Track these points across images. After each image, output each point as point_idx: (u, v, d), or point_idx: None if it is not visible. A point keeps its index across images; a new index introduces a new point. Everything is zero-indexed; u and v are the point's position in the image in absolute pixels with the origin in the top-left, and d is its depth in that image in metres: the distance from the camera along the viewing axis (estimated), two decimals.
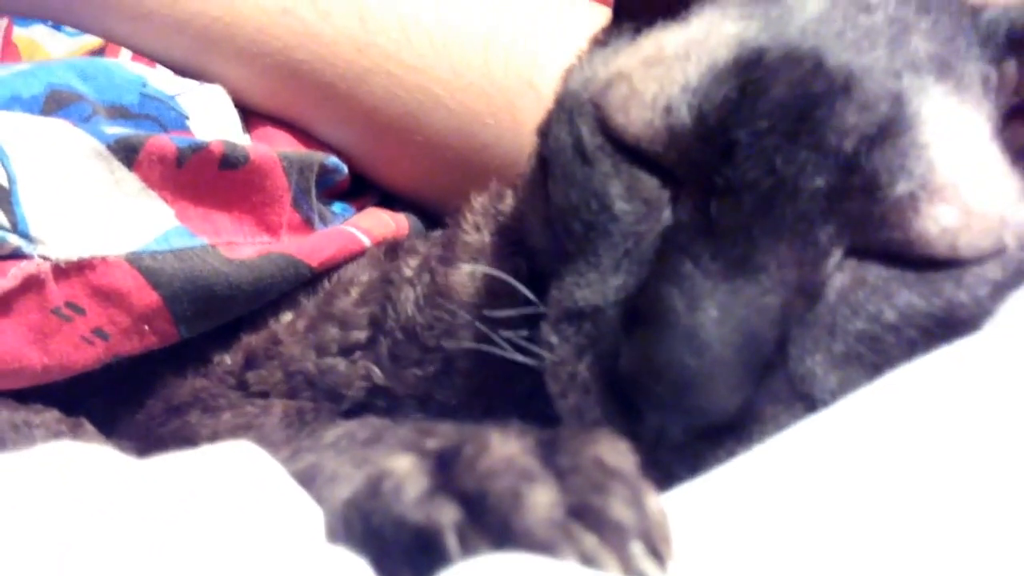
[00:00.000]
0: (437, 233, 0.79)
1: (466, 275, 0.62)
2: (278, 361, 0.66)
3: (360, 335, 0.65)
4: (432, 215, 0.84)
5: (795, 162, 0.43)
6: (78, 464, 0.33)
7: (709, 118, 0.44)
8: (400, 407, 0.62)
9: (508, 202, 0.66)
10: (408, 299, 0.63)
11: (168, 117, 0.74)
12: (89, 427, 0.64)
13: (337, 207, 0.83)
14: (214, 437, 0.61)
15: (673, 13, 0.52)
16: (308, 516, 0.35)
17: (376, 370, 0.63)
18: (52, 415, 0.64)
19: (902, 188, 0.43)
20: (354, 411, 0.63)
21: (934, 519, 0.34)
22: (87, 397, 0.69)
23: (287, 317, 0.71)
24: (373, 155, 0.85)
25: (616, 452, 0.35)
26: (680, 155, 0.46)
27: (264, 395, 0.66)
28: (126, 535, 0.31)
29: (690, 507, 0.36)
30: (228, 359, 0.70)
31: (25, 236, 0.62)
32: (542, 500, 0.32)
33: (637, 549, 0.32)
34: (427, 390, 0.62)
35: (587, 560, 0.31)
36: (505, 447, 0.34)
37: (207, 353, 0.71)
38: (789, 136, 0.43)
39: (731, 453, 0.42)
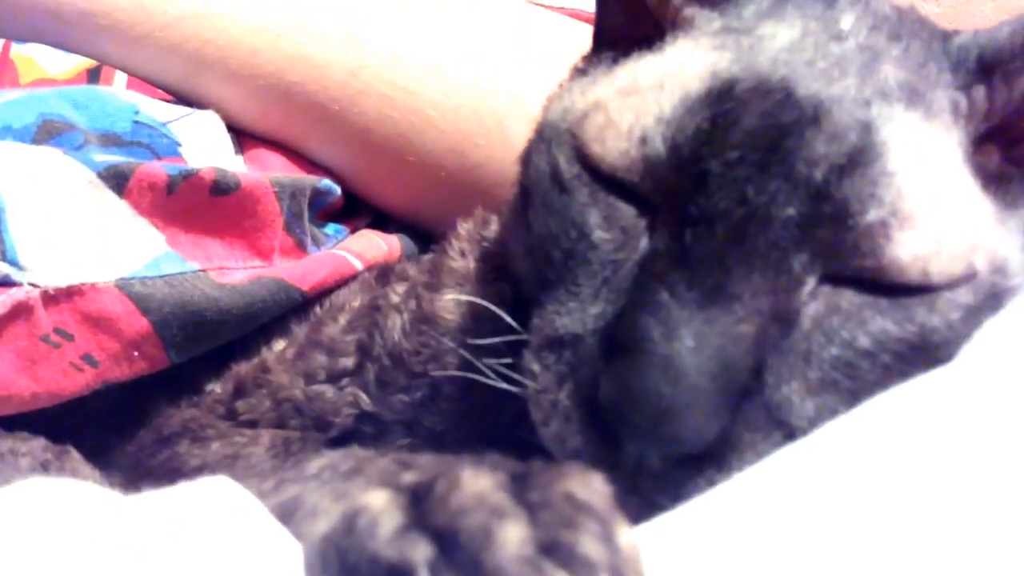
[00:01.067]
0: (427, 257, 0.80)
1: (451, 302, 0.62)
2: (267, 390, 0.67)
3: (348, 362, 0.65)
4: (425, 234, 0.85)
5: (766, 191, 0.44)
6: (52, 503, 0.34)
7: (682, 149, 0.45)
8: (388, 433, 0.63)
9: (493, 228, 0.67)
10: (395, 325, 0.64)
11: (160, 144, 0.75)
12: (76, 455, 0.65)
13: (330, 228, 0.84)
14: (202, 467, 0.61)
15: (649, 43, 0.53)
16: (286, 553, 0.36)
17: (364, 396, 0.63)
18: (38, 443, 0.64)
19: (872, 216, 0.43)
20: (342, 439, 0.63)
21: (914, 552, 0.34)
22: (78, 426, 0.69)
23: (279, 345, 0.72)
24: (366, 175, 0.86)
25: (587, 486, 0.35)
26: (655, 185, 0.46)
27: (253, 424, 0.67)
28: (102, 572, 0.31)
29: (666, 538, 0.37)
30: (218, 388, 0.71)
31: (14, 263, 0.63)
32: (512, 537, 0.33)
33: None
34: (414, 416, 0.62)
35: None
36: (477, 483, 0.35)
37: (198, 381, 0.72)
38: (760, 166, 0.44)
39: (710, 481, 0.42)
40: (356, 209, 0.88)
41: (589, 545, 0.33)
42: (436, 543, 0.33)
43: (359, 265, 0.78)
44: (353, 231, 0.86)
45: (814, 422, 0.43)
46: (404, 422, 0.62)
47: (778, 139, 0.44)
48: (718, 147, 0.44)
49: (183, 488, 0.36)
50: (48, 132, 0.70)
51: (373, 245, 0.82)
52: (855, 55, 0.47)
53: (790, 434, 0.44)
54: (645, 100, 0.47)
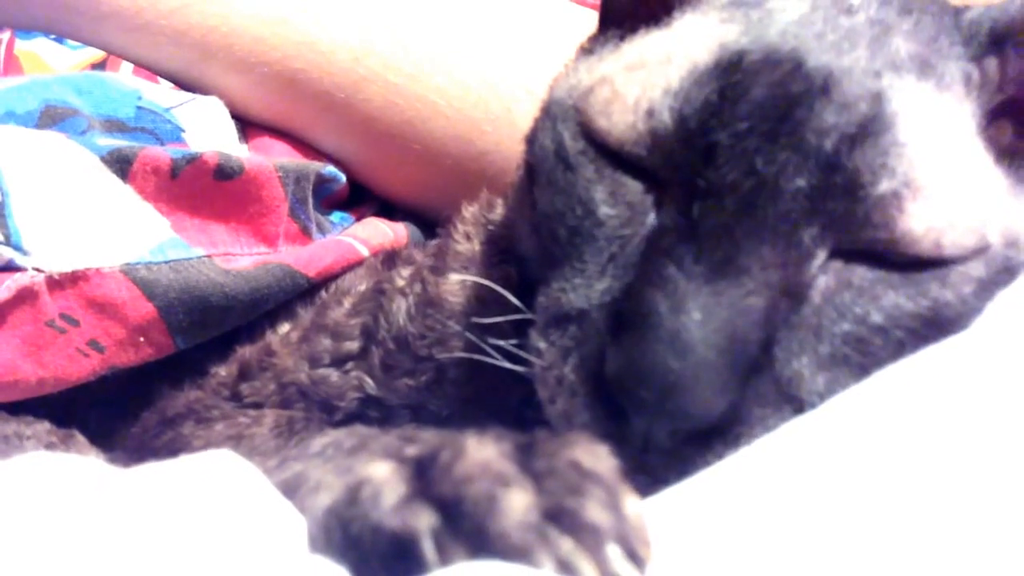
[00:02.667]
0: (433, 243, 0.79)
1: (456, 284, 0.62)
2: (271, 372, 0.67)
3: (352, 345, 0.65)
4: (431, 223, 0.85)
5: (775, 163, 0.43)
6: (53, 476, 0.34)
7: (690, 121, 0.45)
8: (393, 417, 0.63)
9: (499, 211, 0.66)
10: (400, 309, 0.64)
11: (164, 130, 0.75)
12: (81, 438, 0.65)
13: (335, 217, 0.83)
14: (206, 448, 0.61)
15: (656, 20, 0.52)
16: (289, 525, 0.35)
17: (369, 380, 0.63)
18: (43, 427, 0.64)
19: (885, 187, 0.43)
20: (346, 422, 0.63)
21: (922, 527, 0.34)
22: (84, 410, 0.69)
23: (284, 328, 0.72)
24: (372, 164, 0.85)
25: (593, 455, 0.35)
26: (663, 158, 0.46)
27: (257, 406, 0.67)
28: (102, 544, 0.31)
29: (673, 511, 0.36)
30: (223, 371, 0.70)
31: (18, 248, 0.63)
32: (517, 504, 0.32)
33: (614, 552, 0.32)
34: (419, 400, 0.62)
35: (563, 564, 0.31)
36: (481, 452, 0.35)
37: (204, 365, 0.72)
38: (769, 137, 0.44)
39: (719, 456, 0.42)
40: (361, 198, 0.88)
41: (595, 512, 0.32)
42: (440, 512, 0.33)
43: (365, 251, 0.77)
44: (358, 219, 0.85)
45: (824, 397, 0.43)
46: (409, 406, 0.62)
47: (787, 110, 0.44)
48: (727, 118, 0.44)
49: (185, 460, 0.36)
50: (51, 118, 0.70)
51: (379, 232, 0.81)
52: (865, 28, 0.47)
53: (800, 409, 0.44)
54: (652, 73, 0.47)
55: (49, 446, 0.62)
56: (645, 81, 0.47)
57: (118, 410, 0.70)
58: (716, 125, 0.44)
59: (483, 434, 0.36)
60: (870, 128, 0.43)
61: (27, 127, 0.70)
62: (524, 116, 0.79)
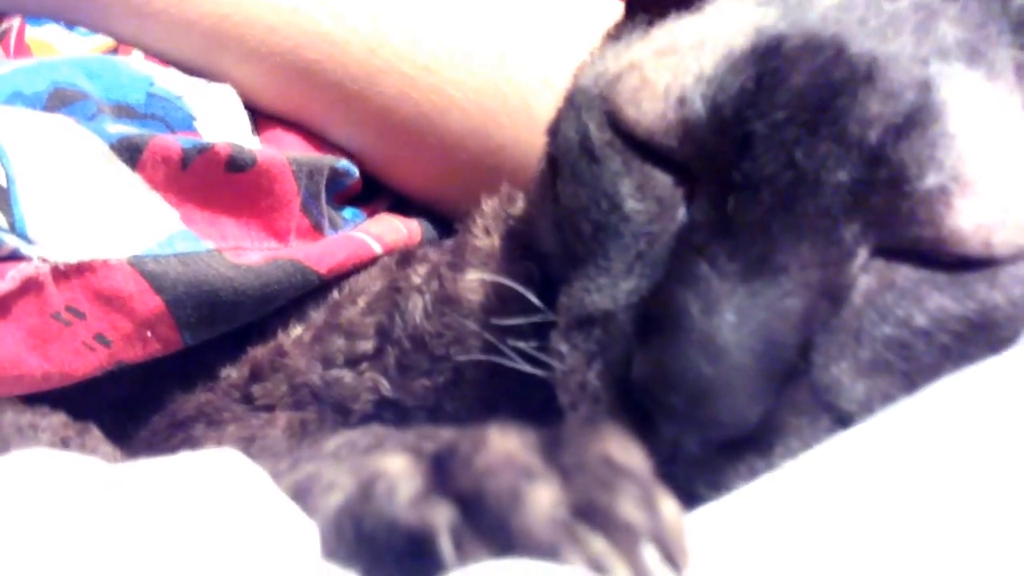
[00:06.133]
0: (448, 243, 0.77)
1: (475, 282, 0.60)
2: (283, 374, 0.65)
3: (367, 345, 0.63)
4: (446, 220, 0.83)
5: (816, 155, 0.41)
6: (48, 473, 0.32)
7: (724, 109, 0.42)
8: (409, 420, 0.60)
9: (519, 205, 0.64)
10: (416, 307, 0.61)
11: (175, 117, 0.73)
12: (96, 432, 0.62)
13: (348, 212, 0.81)
14: None
15: (687, 4, 0.50)
16: (295, 529, 0.33)
17: (384, 381, 0.61)
18: (59, 419, 0.62)
19: (932, 181, 0.40)
20: (361, 425, 0.61)
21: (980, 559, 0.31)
22: (95, 414, 0.67)
23: (296, 331, 0.70)
24: (385, 157, 0.83)
25: (626, 450, 0.32)
26: (695, 149, 0.44)
27: (269, 408, 0.64)
28: (100, 544, 0.29)
29: (708, 531, 0.34)
30: (234, 373, 0.68)
31: (23, 236, 0.61)
32: (544, 499, 0.30)
33: (650, 553, 0.29)
34: (436, 401, 0.60)
35: (594, 564, 0.29)
36: (504, 443, 0.32)
37: (216, 369, 0.70)
38: (809, 127, 0.41)
39: (752, 468, 0.40)
40: (374, 193, 0.85)
41: (629, 509, 0.30)
42: (459, 507, 0.30)
43: (378, 248, 0.75)
44: (371, 215, 0.83)
45: (865, 406, 0.40)
46: (426, 408, 0.60)
47: (829, 99, 0.41)
48: (764, 107, 0.41)
49: (187, 457, 0.34)
50: (60, 100, 0.68)
51: (392, 228, 0.79)
52: (910, 13, 0.44)
53: (839, 419, 0.41)
54: (684, 59, 0.44)
55: (64, 439, 0.60)
56: (676, 67, 0.45)
57: (129, 414, 0.68)
58: (752, 114, 0.42)
59: (506, 426, 0.33)
60: (917, 118, 0.41)
61: (34, 109, 0.67)
62: (543, 109, 0.76)
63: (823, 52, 0.42)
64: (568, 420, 0.45)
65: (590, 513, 0.29)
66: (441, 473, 0.32)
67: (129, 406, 0.69)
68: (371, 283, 0.70)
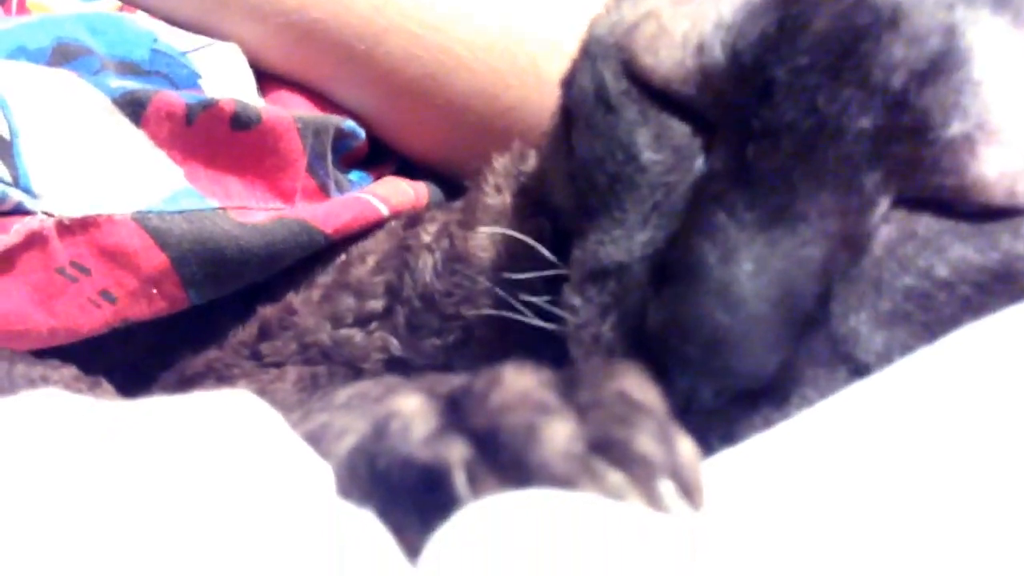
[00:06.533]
0: (458, 204, 0.76)
1: (485, 238, 0.59)
2: (292, 332, 0.64)
3: (376, 304, 0.62)
4: (452, 184, 0.82)
5: (838, 101, 0.40)
6: (59, 413, 0.31)
7: (744, 56, 0.41)
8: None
9: (531, 163, 0.63)
10: (426, 266, 0.61)
11: (179, 75, 0.72)
12: (108, 386, 0.62)
13: (354, 175, 0.80)
14: None
15: None
16: (309, 468, 0.32)
17: (393, 341, 0.60)
18: (70, 372, 0.61)
19: (956, 128, 0.39)
20: None
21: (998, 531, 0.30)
22: (101, 371, 0.66)
23: (306, 293, 0.69)
24: (392, 119, 0.82)
25: (641, 386, 0.31)
26: (714, 97, 0.43)
27: (278, 366, 0.64)
28: (110, 488, 0.28)
29: (722, 476, 0.33)
30: (243, 330, 0.68)
31: (27, 191, 0.60)
32: (560, 433, 0.29)
33: (667, 487, 0.29)
34: (446, 360, 0.59)
35: (611, 498, 0.28)
36: (519, 381, 0.31)
37: (227, 333, 0.69)
38: (832, 73, 0.40)
39: (767, 419, 0.39)
40: (381, 157, 0.84)
41: (646, 443, 0.29)
42: (474, 444, 0.30)
43: (385, 210, 0.74)
44: (377, 178, 0.82)
45: (883, 357, 0.40)
46: (436, 367, 0.59)
47: (852, 43, 0.40)
48: (785, 53, 0.40)
49: (199, 397, 0.33)
50: (63, 55, 0.67)
51: (399, 190, 0.78)
52: None
53: (856, 370, 0.40)
54: (703, 6, 0.43)
55: (76, 393, 0.59)
56: (695, 14, 0.43)
57: (139, 375, 0.67)
58: (773, 60, 0.41)
59: (521, 365, 0.33)
60: (942, 64, 0.39)
61: (38, 64, 0.66)
62: (552, 70, 0.75)
63: None
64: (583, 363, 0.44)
65: (607, 447, 0.29)
66: (456, 412, 0.32)
67: (141, 368, 0.68)
68: (378, 247, 0.69)
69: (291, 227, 0.68)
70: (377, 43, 0.77)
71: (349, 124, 0.77)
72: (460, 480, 0.29)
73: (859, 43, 0.40)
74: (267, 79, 0.80)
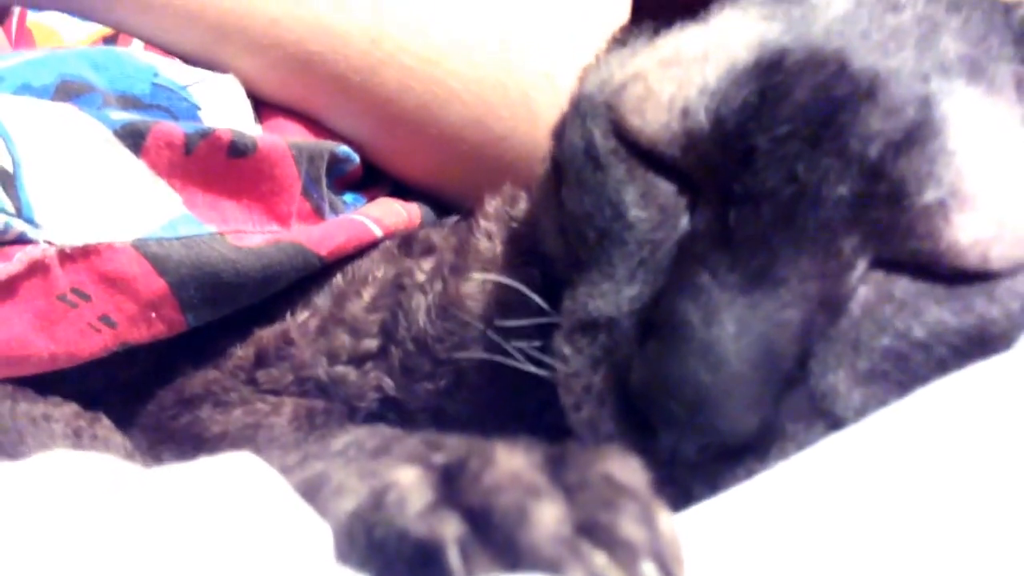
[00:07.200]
0: (451, 220, 0.77)
1: (477, 285, 0.59)
2: (289, 364, 0.64)
3: (371, 344, 0.62)
4: (445, 205, 0.82)
5: (817, 169, 0.40)
6: (74, 477, 0.31)
7: (727, 122, 0.42)
8: (412, 420, 0.59)
9: (521, 206, 0.63)
10: (419, 308, 0.61)
11: (180, 108, 0.72)
12: (107, 422, 0.62)
13: (348, 197, 0.81)
14: (224, 435, 0.59)
15: (692, 13, 0.49)
16: (313, 534, 0.33)
17: (388, 381, 0.60)
18: (71, 409, 0.62)
19: (930, 196, 0.40)
20: (367, 421, 0.61)
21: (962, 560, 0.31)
22: (102, 391, 0.67)
23: (303, 316, 0.69)
24: (386, 147, 0.82)
25: (626, 468, 0.33)
26: (698, 160, 0.43)
27: (275, 393, 0.64)
28: (117, 555, 0.28)
29: (701, 530, 0.34)
30: (240, 351, 0.68)
31: (30, 221, 0.60)
32: (549, 516, 0.30)
33: (649, 569, 0.30)
34: (439, 404, 0.59)
35: None
36: (511, 461, 0.32)
37: (225, 352, 0.69)
38: (811, 142, 0.40)
39: (749, 472, 0.40)
40: (374, 179, 0.84)
41: (630, 527, 0.30)
42: (468, 521, 0.31)
43: (378, 231, 0.74)
44: (371, 201, 0.82)
45: (861, 413, 0.40)
46: (428, 409, 0.59)
47: (831, 114, 0.40)
48: (767, 121, 0.41)
49: (206, 463, 0.34)
50: (67, 92, 0.67)
51: (392, 211, 0.78)
52: (912, 27, 0.43)
53: (834, 425, 0.41)
54: (688, 71, 0.44)
55: (77, 431, 0.59)
56: (681, 78, 0.44)
57: (137, 393, 0.67)
58: (755, 128, 0.41)
59: (512, 443, 0.34)
60: (917, 135, 0.40)
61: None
62: (543, 103, 0.76)
63: (826, 67, 0.41)
64: (576, 435, 0.45)
65: (593, 530, 0.30)
66: (450, 486, 0.32)
67: (139, 385, 0.68)
68: (374, 268, 0.69)
69: (287, 250, 0.68)
70: (372, 75, 0.78)
71: (343, 149, 0.78)
72: (454, 557, 0.30)
73: (838, 113, 0.40)
74: (265, 107, 0.80)
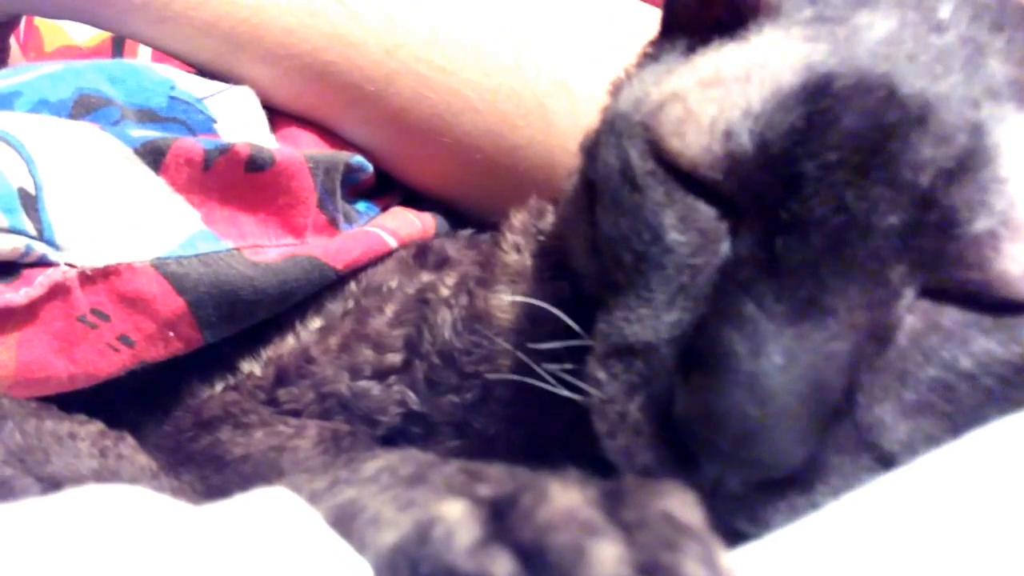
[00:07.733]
0: (465, 233, 0.75)
1: (506, 302, 0.57)
2: (310, 381, 0.62)
3: (395, 358, 0.60)
4: (459, 214, 0.81)
5: (867, 198, 0.38)
6: (108, 514, 0.30)
7: (773, 147, 0.40)
8: (437, 434, 0.58)
9: (548, 219, 0.61)
10: (445, 322, 0.59)
11: (196, 120, 0.70)
12: (131, 441, 0.60)
13: (361, 205, 0.79)
14: (246, 457, 0.57)
15: (728, 30, 0.47)
16: (352, 569, 0.32)
17: (412, 395, 0.58)
18: (96, 427, 0.60)
19: (981, 225, 0.38)
20: (389, 437, 0.59)
21: None
22: (113, 404, 0.65)
23: (314, 323, 0.67)
24: (400, 156, 0.80)
25: (686, 506, 0.31)
26: (740, 184, 0.41)
27: (296, 413, 0.62)
28: None
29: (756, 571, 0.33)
30: (258, 370, 0.66)
31: (51, 243, 0.58)
32: (608, 556, 0.28)
33: None
34: (464, 418, 0.57)
35: None
36: (566, 498, 0.30)
37: (232, 360, 0.68)
38: (860, 170, 0.39)
39: (793, 506, 0.38)
40: (388, 187, 0.83)
41: (692, 568, 0.28)
42: (520, 560, 0.29)
43: (393, 243, 0.73)
44: (384, 208, 0.81)
45: (907, 445, 0.39)
46: (453, 423, 0.57)
47: (881, 141, 0.39)
48: (815, 147, 0.39)
49: (239, 501, 0.32)
50: (85, 107, 0.66)
51: (407, 222, 0.77)
52: (957, 48, 0.41)
53: (880, 458, 0.39)
54: (730, 92, 0.42)
55: (103, 450, 0.57)
56: (722, 99, 0.42)
57: (151, 405, 0.66)
58: (803, 154, 0.39)
59: (565, 477, 0.32)
60: (969, 163, 0.38)
61: (60, 116, 0.65)
62: (559, 112, 0.74)
63: (875, 92, 0.40)
64: (608, 459, 0.43)
65: (654, 572, 0.28)
66: (500, 522, 0.30)
67: (151, 395, 0.67)
68: (388, 278, 0.68)
69: (303, 265, 0.67)
70: (387, 84, 0.76)
71: (357, 159, 0.76)
72: None
73: (888, 141, 0.39)
74: (278, 115, 0.79)
